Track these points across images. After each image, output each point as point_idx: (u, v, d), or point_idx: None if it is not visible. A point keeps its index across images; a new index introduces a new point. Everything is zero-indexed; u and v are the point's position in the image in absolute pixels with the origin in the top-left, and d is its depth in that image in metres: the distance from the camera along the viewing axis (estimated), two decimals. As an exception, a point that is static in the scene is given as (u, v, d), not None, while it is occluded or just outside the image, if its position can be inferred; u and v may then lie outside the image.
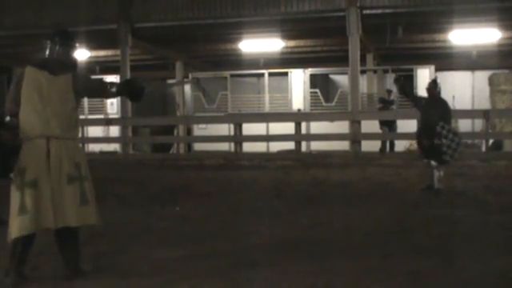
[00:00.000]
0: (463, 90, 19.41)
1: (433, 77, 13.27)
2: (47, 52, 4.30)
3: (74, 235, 4.21)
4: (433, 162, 8.16)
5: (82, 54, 18.69)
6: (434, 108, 8.19)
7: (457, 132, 8.70)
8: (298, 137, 14.60)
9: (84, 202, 4.10)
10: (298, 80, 17.21)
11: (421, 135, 8.36)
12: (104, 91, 4.48)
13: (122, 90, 4.47)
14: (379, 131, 15.12)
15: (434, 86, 8.40)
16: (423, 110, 8.37)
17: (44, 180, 3.99)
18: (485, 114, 13.60)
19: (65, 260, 4.23)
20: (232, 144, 15.38)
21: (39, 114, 4.04)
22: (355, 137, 14.09)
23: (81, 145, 16.05)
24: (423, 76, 15.84)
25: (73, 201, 4.05)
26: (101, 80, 4.79)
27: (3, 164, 4.07)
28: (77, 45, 4.46)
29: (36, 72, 4.11)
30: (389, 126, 14.97)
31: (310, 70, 17.42)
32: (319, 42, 18.29)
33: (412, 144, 14.11)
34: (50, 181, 3.99)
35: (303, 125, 15.13)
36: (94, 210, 4.19)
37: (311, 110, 16.89)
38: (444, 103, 8.35)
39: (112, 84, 4.46)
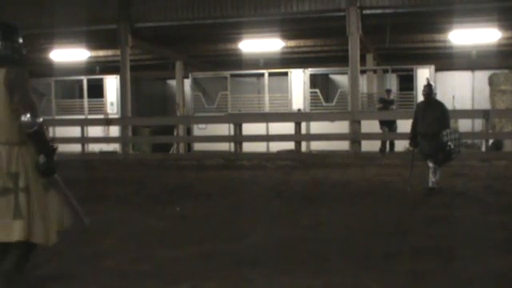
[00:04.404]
0: (463, 90, 19.40)
1: (429, 77, 13.19)
2: None
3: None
4: (430, 164, 8.16)
5: (82, 54, 18.75)
6: (431, 111, 8.21)
7: (456, 129, 8.78)
8: (297, 137, 14.60)
9: (17, 217, 3.64)
10: (298, 80, 17.20)
11: (429, 148, 8.26)
12: (27, 105, 3.64)
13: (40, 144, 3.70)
14: (379, 131, 15.12)
15: (430, 91, 8.40)
16: (421, 114, 8.37)
17: None
18: (485, 114, 13.60)
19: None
20: (232, 144, 15.38)
21: None
22: (355, 137, 14.09)
23: (80, 145, 16.24)
24: (423, 76, 15.82)
25: (3, 215, 3.63)
26: (27, 97, 3.71)
27: None
28: (20, 40, 3.91)
29: None
30: (389, 126, 14.96)
31: (310, 69, 17.40)
32: (319, 42, 18.29)
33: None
34: None
35: (303, 125, 15.13)
36: (22, 226, 3.63)
37: (311, 110, 16.88)
38: (440, 105, 8.39)
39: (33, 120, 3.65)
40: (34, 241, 3.70)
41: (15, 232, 3.63)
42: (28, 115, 3.59)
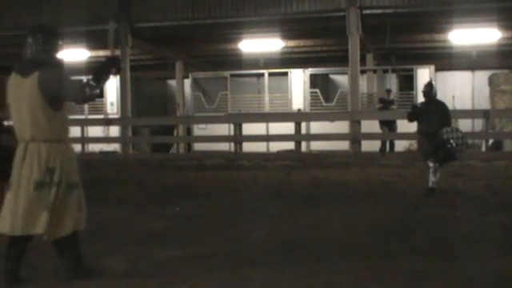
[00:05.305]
0: (463, 89, 19.42)
1: (432, 77, 13.26)
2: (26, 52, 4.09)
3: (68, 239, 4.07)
4: (430, 163, 8.15)
5: (81, 54, 18.75)
6: (433, 111, 8.21)
7: (457, 128, 8.77)
8: (297, 137, 14.60)
9: (44, 210, 3.89)
10: (298, 80, 17.21)
11: (429, 148, 8.23)
12: (77, 94, 3.95)
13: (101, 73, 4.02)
14: (379, 131, 15.13)
15: (430, 89, 8.40)
16: (422, 115, 8.37)
17: (15, 185, 3.92)
18: (485, 114, 13.61)
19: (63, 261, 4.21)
20: (232, 144, 15.38)
21: (17, 118, 4.00)
22: (355, 137, 14.09)
23: (80, 145, 16.22)
24: (423, 76, 15.83)
25: (36, 208, 3.88)
26: (74, 81, 4.12)
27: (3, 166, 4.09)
28: (59, 42, 4.21)
29: (13, 77, 4.03)
30: (389, 126, 14.97)
31: (310, 69, 17.42)
32: (319, 42, 18.30)
33: (412, 144, 14.12)
34: (19, 186, 3.89)
35: (303, 125, 15.13)
36: (43, 220, 3.88)
37: (311, 110, 16.89)
38: (442, 105, 8.39)
39: (89, 84, 3.94)
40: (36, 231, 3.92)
41: (41, 225, 3.88)
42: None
